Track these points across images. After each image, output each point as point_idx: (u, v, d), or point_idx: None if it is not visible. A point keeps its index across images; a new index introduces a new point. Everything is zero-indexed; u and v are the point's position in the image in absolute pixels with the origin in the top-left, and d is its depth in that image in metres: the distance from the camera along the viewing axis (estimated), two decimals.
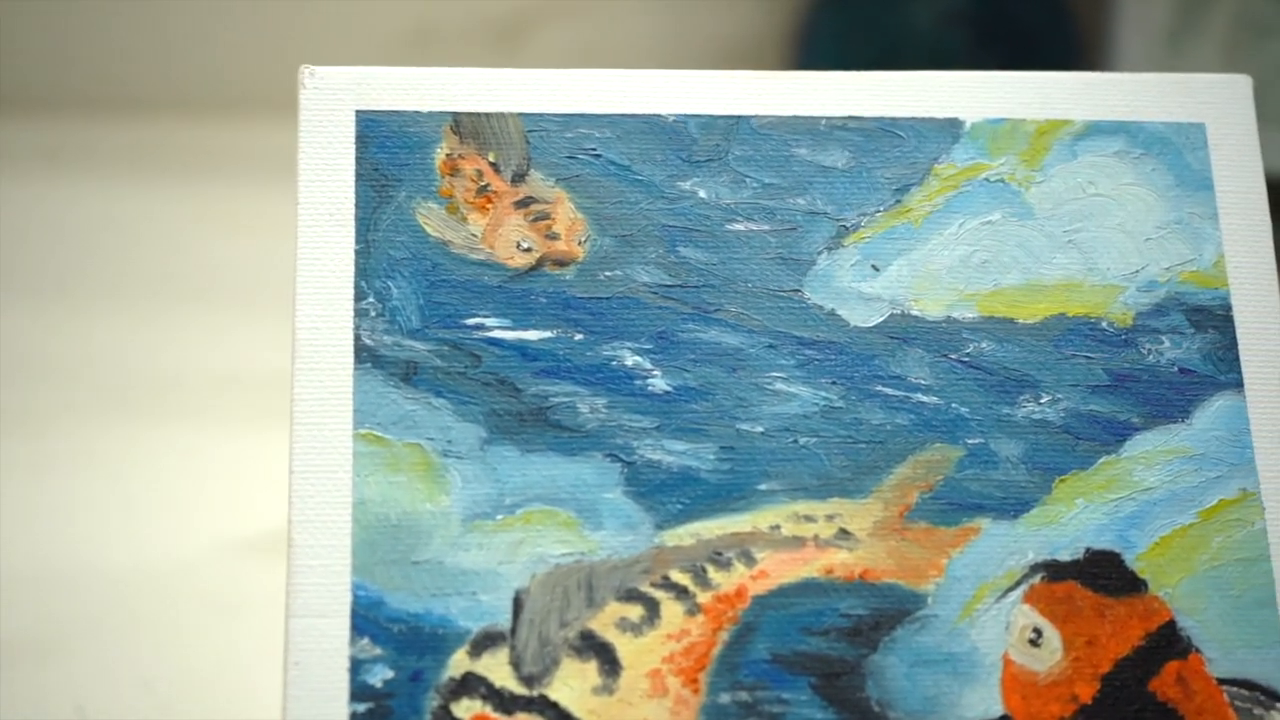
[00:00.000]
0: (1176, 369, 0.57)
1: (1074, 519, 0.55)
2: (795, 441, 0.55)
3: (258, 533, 0.68)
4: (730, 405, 0.55)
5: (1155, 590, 0.55)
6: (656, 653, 0.53)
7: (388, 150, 0.57)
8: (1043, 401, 0.56)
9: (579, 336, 0.56)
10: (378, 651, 0.52)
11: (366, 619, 0.53)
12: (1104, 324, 0.57)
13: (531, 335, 0.55)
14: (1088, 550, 0.55)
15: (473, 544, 0.54)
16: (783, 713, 0.53)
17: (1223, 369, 0.57)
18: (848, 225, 0.57)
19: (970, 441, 0.56)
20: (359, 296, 0.55)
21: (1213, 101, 0.60)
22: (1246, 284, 0.58)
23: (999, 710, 0.54)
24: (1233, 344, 0.57)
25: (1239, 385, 0.57)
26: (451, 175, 0.57)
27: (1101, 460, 0.56)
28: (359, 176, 0.56)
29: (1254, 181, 0.59)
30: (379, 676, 0.52)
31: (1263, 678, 0.55)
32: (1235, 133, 0.60)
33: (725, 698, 0.53)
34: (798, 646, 0.54)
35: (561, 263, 0.56)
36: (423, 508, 0.54)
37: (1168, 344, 0.57)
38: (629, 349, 0.56)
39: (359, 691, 0.52)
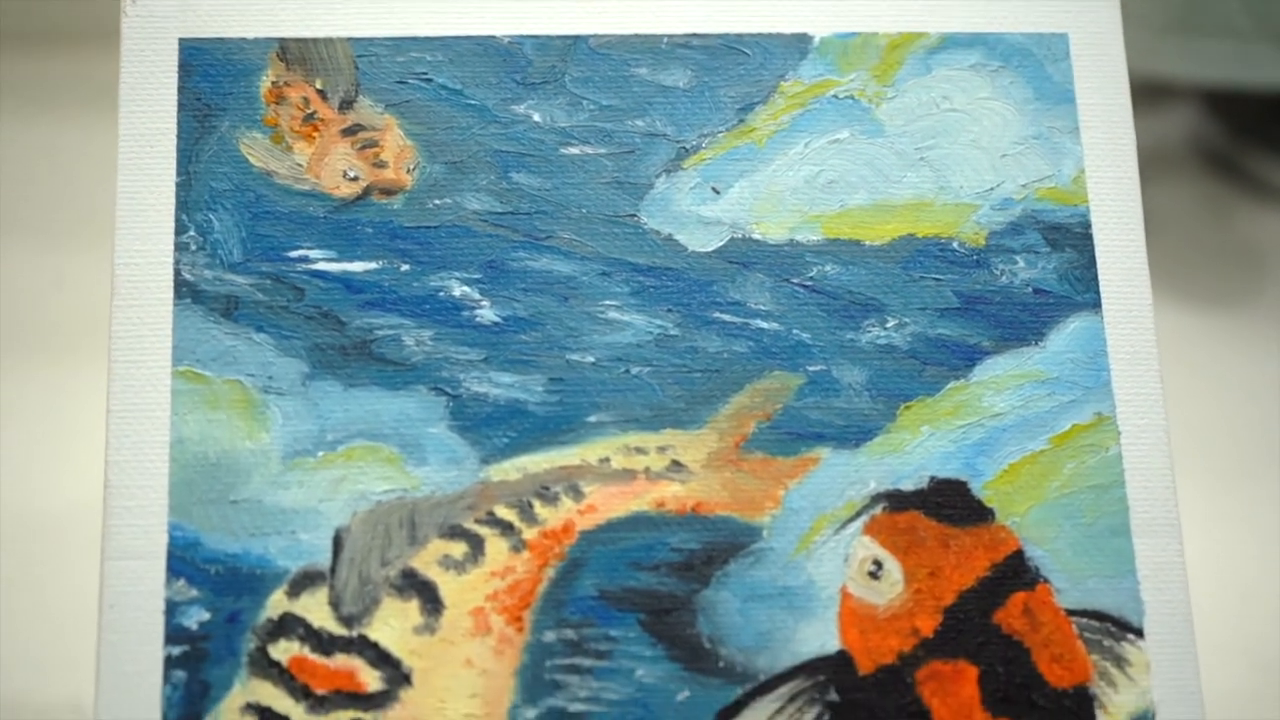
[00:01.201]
0: (1031, 290, 0.55)
1: (919, 447, 0.53)
2: (627, 371, 0.53)
3: None
4: (561, 335, 0.54)
5: (1003, 519, 0.53)
6: (480, 591, 0.52)
7: (211, 79, 0.55)
8: (889, 326, 0.54)
9: (405, 267, 0.54)
10: (194, 593, 0.51)
11: (183, 560, 0.52)
12: (955, 244, 0.55)
13: (356, 267, 0.54)
14: (932, 479, 0.53)
15: (293, 482, 0.52)
16: (610, 650, 0.51)
17: (1080, 289, 0.55)
18: (688, 147, 0.55)
19: (811, 368, 0.54)
20: (179, 230, 0.54)
21: (1076, 10, 0.57)
22: (1107, 200, 0.56)
23: (836, 645, 0.52)
24: (1091, 263, 0.55)
25: (1096, 305, 0.55)
26: (277, 103, 0.55)
27: (949, 386, 0.54)
28: (181, 106, 0.55)
29: (1118, 93, 0.57)
30: (195, 619, 0.51)
31: (1115, 608, 0.53)
32: (1100, 42, 0.57)
33: (550, 636, 0.52)
34: (626, 583, 0.52)
35: (389, 191, 0.54)
36: (242, 445, 0.52)
37: (1022, 264, 0.55)
38: (457, 279, 0.54)
39: (174, 634, 0.51)
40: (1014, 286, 0.55)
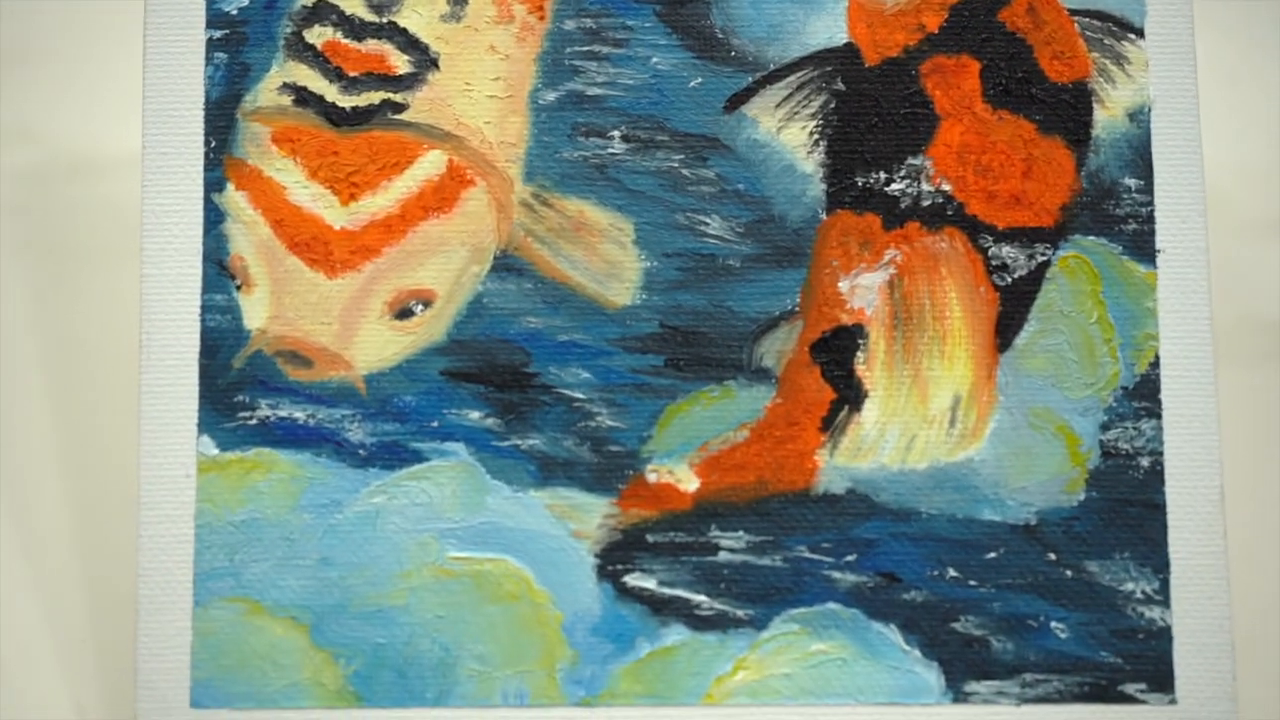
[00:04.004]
0: None
1: None
2: None
3: None
4: None
5: None
6: None
7: None
8: None
9: None
10: None
11: None
12: None
13: None
14: None
15: None
16: (627, 39, 0.54)
17: None
18: None
19: None
20: None
21: None
22: None
23: (844, 37, 0.54)
24: None
25: None
26: None
27: None
28: None
29: None
30: (234, 4, 0.54)
31: (1117, 9, 0.54)
32: None
33: (570, 24, 0.54)
34: None
35: None
36: None
37: None
38: None
39: (215, 19, 0.54)
40: None
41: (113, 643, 0.55)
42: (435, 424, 0.53)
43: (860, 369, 0.53)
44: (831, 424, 0.53)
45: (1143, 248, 0.54)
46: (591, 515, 0.52)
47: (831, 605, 0.52)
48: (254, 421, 0.52)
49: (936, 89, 0.54)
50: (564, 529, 0.52)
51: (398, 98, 0.54)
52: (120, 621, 0.55)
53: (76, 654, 0.56)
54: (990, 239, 0.54)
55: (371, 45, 0.54)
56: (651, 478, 0.53)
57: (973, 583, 0.52)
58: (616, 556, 0.52)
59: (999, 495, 0.53)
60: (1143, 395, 0.53)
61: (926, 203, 0.54)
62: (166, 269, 0.53)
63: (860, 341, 0.53)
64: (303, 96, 0.54)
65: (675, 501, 0.52)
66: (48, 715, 0.55)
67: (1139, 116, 0.54)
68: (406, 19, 0.54)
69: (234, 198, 0.53)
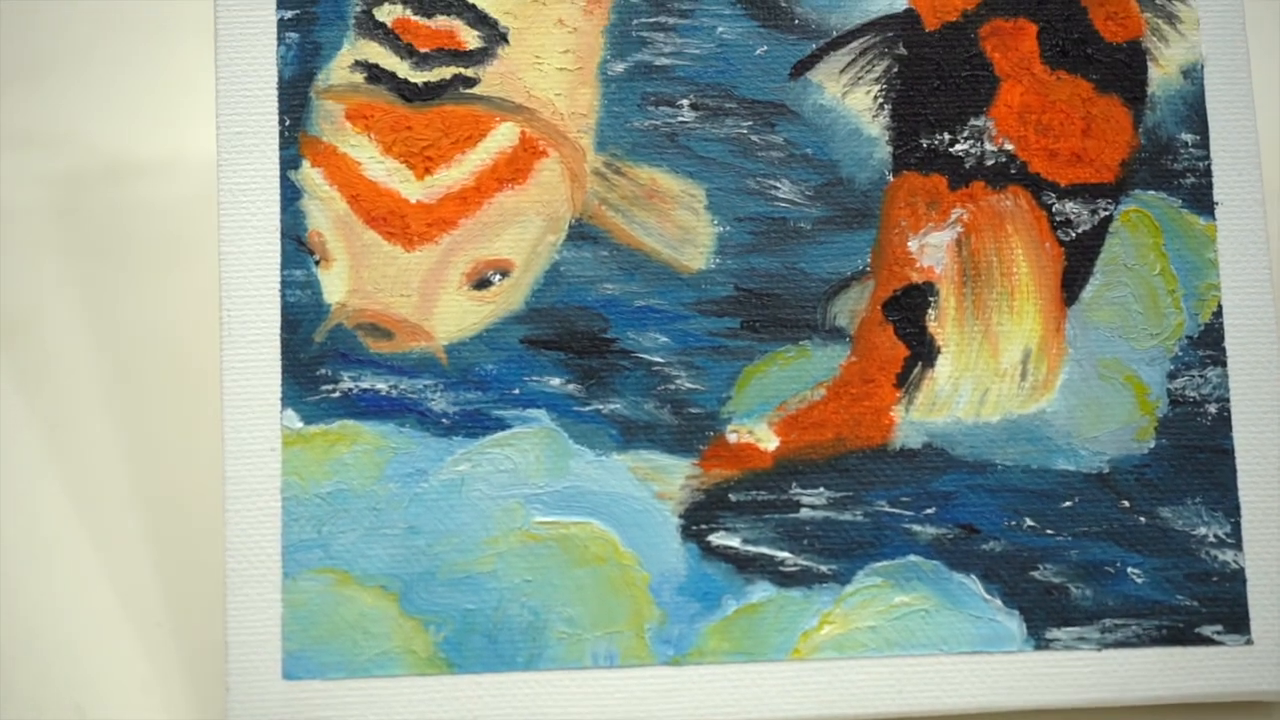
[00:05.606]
0: None
1: None
2: None
3: None
4: None
5: None
6: None
7: None
8: None
9: None
10: None
11: None
12: None
13: None
14: None
15: None
16: (692, 9, 0.55)
17: None
18: None
19: None
20: None
21: None
22: None
23: (904, 3, 0.55)
24: None
25: None
26: None
27: None
28: None
29: None
30: None
31: None
32: None
33: None
34: None
35: None
36: None
37: None
38: None
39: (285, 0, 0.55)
40: None
41: (203, 618, 0.55)
42: (517, 391, 0.53)
43: (932, 326, 0.54)
44: (906, 380, 0.54)
45: (1201, 200, 0.55)
46: (674, 476, 0.53)
47: (913, 558, 0.53)
48: (337, 394, 0.53)
49: (995, 51, 0.55)
50: (648, 491, 0.53)
51: (469, 72, 0.54)
52: (210, 596, 0.55)
53: (165, 630, 0.56)
54: (1053, 196, 0.55)
55: (441, 21, 0.55)
56: (732, 438, 0.53)
57: (1050, 531, 0.53)
58: (700, 516, 0.53)
59: (1072, 445, 0.54)
60: (1207, 344, 0.54)
61: (990, 162, 0.55)
62: (245, 246, 0.54)
63: (931, 299, 0.54)
64: (375, 74, 0.54)
65: (756, 460, 0.53)
66: (138, 691, 0.55)
67: (1192, 73, 0.55)
68: None
69: (310, 174, 0.54)
